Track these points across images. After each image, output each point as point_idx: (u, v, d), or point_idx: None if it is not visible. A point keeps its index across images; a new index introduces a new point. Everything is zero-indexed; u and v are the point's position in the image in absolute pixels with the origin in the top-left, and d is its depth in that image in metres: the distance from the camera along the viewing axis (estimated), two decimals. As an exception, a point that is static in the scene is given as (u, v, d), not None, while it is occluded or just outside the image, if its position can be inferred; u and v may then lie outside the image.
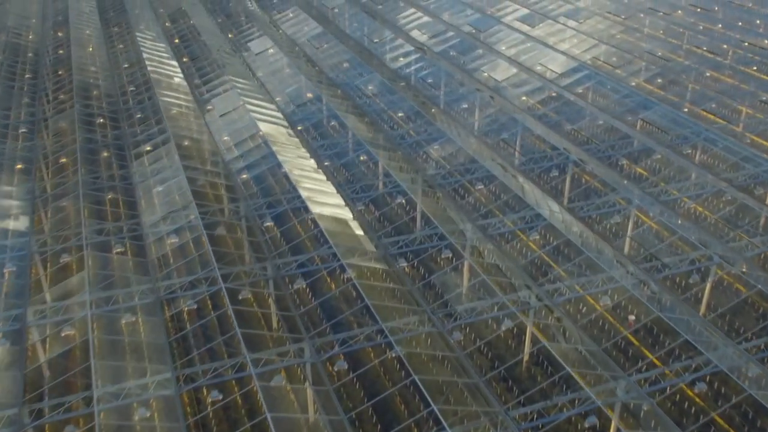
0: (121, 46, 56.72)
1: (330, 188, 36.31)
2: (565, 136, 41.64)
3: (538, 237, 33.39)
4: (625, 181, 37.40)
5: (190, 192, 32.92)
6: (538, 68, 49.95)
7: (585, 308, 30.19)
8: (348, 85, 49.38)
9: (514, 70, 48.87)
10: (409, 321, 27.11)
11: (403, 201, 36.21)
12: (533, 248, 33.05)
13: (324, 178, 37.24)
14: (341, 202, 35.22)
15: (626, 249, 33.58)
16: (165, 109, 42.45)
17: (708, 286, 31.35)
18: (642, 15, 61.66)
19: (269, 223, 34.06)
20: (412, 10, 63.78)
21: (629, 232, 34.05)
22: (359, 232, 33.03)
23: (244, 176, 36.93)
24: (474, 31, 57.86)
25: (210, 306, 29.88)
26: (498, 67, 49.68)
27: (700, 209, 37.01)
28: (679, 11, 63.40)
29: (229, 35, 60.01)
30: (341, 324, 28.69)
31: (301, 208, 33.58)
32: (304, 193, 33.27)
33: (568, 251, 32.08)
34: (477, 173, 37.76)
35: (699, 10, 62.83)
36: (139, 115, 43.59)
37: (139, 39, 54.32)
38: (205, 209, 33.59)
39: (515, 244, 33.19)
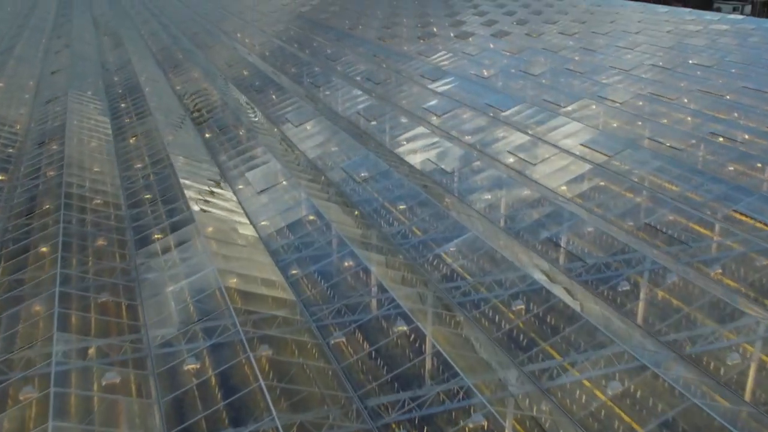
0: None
1: (293, 312, 23.89)
2: (630, 234, 29.71)
3: (620, 388, 20.73)
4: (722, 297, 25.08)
5: (56, 316, 20.58)
6: (578, 150, 38.73)
7: None
8: (333, 169, 37.94)
9: (551, 152, 37.62)
10: None
11: (406, 330, 23.63)
12: (627, 419, 20.14)
13: (289, 296, 25.00)
14: (311, 335, 22.88)
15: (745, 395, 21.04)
16: (67, 195, 30.83)
17: None
18: (686, 99, 51.30)
19: (193, 365, 21.50)
20: (417, 88, 53.61)
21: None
22: (332, 389, 20.32)
23: (168, 290, 24.61)
24: (493, 109, 47.21)
25: None
26: (528, 149, 38.45)
27: None
28: (728, 95, 53.10)
29: (194, 114, 49.38)
30: None
31: (243, 340, 21.02)
32: (243, 324, 20.86)
33: (691, 419, 19.28)
34: (515, 287, 25.45)
35: (756, 91, 52.62)
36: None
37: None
38: (95, 342, 21.23)
39: (594, 407, 20.32)
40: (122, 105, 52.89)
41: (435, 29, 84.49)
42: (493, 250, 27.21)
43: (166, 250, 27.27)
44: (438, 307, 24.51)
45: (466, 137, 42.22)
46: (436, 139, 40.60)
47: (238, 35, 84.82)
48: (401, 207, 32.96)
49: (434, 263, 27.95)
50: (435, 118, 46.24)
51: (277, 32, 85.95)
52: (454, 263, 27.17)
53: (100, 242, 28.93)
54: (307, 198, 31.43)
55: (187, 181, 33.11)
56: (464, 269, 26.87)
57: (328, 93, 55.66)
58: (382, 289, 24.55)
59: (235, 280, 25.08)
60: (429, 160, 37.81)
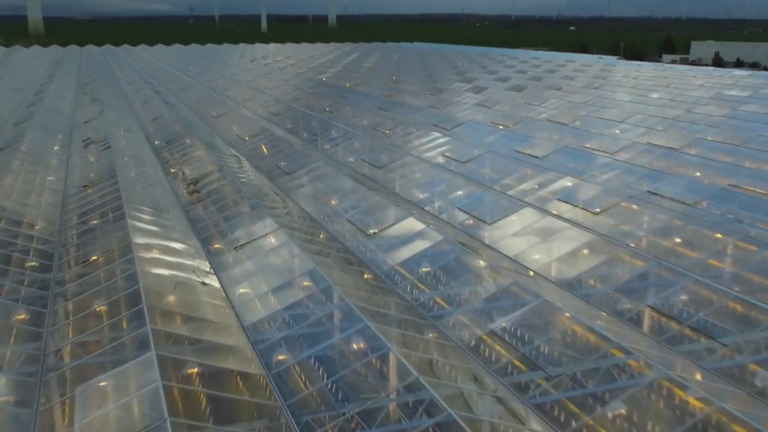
0: None
1: (276, 425, 15.11)
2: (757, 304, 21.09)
3: None
4: None
5: None
6: (647, 198, 30.58)
7: None
8: (336, 221, 29.66)
9: (614, 199, 29.43)
10: None
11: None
12: None
13: (271, 398, 16.30)
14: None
15: None
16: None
17: None
18: (755, 144, 43.50)
19: None
20: (432, 134, 45.94)
21: None
22: None
23: (83, 389, 15.85)
24: (526, 156, 39.44)
25: None
26: (583, 197, 30.33)
27: None
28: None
29: (169, 164, 41.47)
30: None
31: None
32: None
33: None
34: (614, 384, 16.81)
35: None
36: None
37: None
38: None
39: None
40: (89, 158, 45.07)
41: (443, 85, 78.18)
42: (569, 325, 18.58)
43: (92, 327, 18.60)
44: (502, 417, 15.72)
45: (499, 184, 34.14)
46: (462, 186, 32.54)
47: (229, 92, 78.29)
48: (426, 269, 24.45)
49: (484, 347, 19.22)
50: (457, 163, 38.31)
51: (270, 89, 79.49)
52: (518, 346, 18.43)
53: (11, 317, 20.32)
54: (300, 254, 22.95)
55: (140, 240, 24.68)
56: (533, 355, 18.12)
57: (326, 144, 47.97)
58: (414, 385, 15.78)
59: (192, 370, 16.45)
60: (459, 209, 29.57)
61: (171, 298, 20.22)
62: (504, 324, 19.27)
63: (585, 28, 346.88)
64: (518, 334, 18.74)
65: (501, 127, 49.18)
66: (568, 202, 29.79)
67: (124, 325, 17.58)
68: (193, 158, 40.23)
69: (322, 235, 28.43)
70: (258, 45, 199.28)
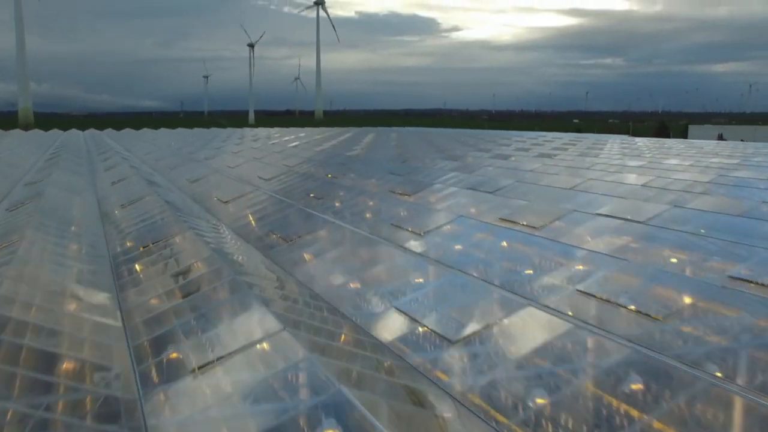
0: None
1: None
2: None
3: None
4: None
5: None
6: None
7: None
8: (368, 309, 17.85)
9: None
10: None
11: None
12: None
13: None
14: None
15: None
16: None
17: None
18: None
19: None
20: (471, 195, 34.76)
21: None
22: None
23: None
24: (621, 219, 28.20)
25: None
26: (746, 266, 18.89)
27: None
28: None
29: (121, 240, 29.64)
30: None
31: None
32: None
33: None
34: None
35: None
36: None
37: None
38: None
39: None
40: (6, 220, 33.37)
41: (458, 153, 68.17)
42: None
43: None
44: None
45: (616, 256, 22.58)
46: (564, 259, 21.05)
47: (211, 161, 67.64)
48: (587, 413, 12.51)
49: None
50: (531, 229, 26.92)
51: (259, 158, 69.02)
52: None
53: None
54: (309, 364, 10.96)
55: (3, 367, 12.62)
56: None
57: (333, 210, 36.50)
58: None
59: None
60: (583, 293, 17.87)
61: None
62: None
63: (569, 119, 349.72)
64: None
65: (557, 188, 38.26)
66: (748, 281, 18.24)
67: None
68: (152, 223, 28.57)
69: (345, 336, 16.39)
70: (246, 129, 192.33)
